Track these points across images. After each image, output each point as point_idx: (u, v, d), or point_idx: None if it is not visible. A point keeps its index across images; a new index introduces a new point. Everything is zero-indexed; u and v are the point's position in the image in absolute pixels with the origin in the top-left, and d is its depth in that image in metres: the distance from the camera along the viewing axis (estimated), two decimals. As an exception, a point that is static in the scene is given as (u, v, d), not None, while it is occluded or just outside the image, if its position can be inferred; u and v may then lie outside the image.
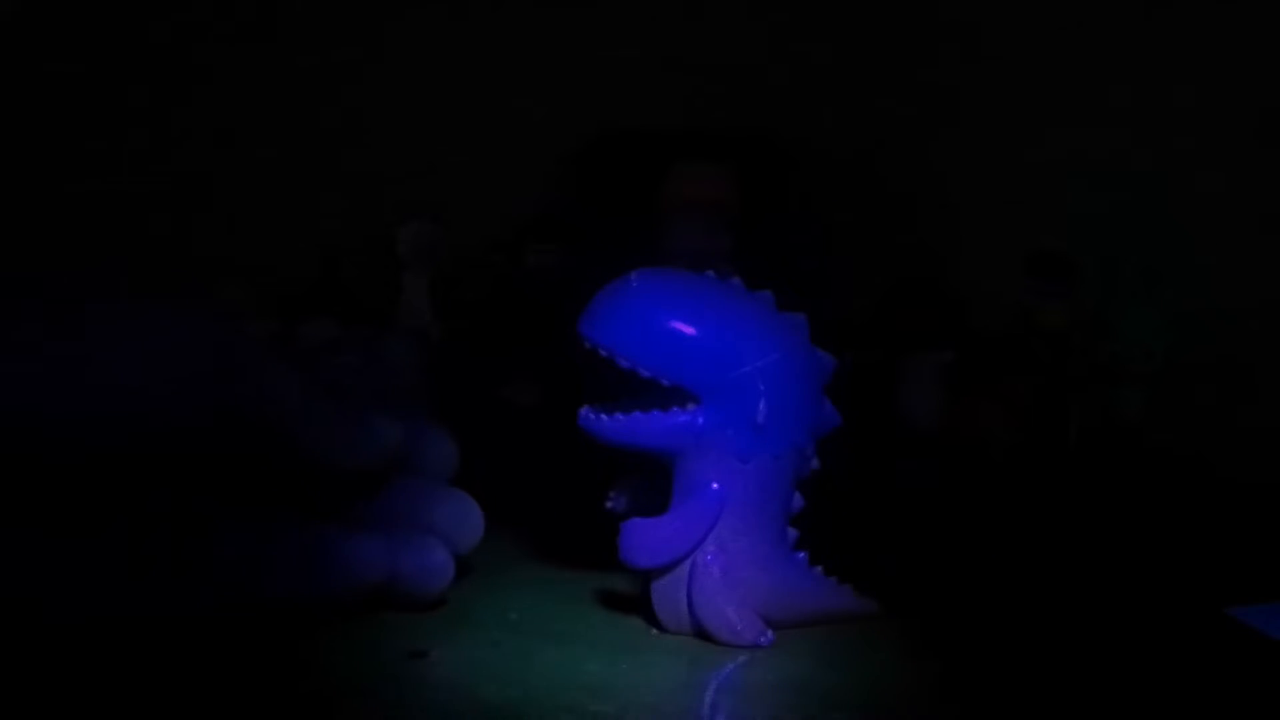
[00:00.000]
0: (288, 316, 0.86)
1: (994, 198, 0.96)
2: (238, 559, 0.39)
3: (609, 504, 0.50)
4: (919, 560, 0.59)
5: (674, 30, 1.03)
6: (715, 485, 0.45)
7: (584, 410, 0.47)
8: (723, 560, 0.45)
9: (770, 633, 0.44)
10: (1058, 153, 0.91)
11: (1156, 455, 0.77)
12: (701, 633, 0.45)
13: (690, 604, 0.45)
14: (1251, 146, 0.79)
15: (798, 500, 0.48)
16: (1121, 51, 0.86)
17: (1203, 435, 0.78)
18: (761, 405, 0.45)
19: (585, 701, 0.36)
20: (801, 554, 0.47)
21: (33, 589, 0.34)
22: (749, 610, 0.45)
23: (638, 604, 0.48)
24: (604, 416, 0.47)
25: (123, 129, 0.91)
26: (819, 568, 0.47)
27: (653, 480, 0.47)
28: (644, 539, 0.45)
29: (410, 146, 0.98)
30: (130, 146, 0.92)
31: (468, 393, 0.46)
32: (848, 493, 0.47)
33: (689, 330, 0.45)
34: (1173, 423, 0.78)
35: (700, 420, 0.45)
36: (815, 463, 0.48)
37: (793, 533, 0.47)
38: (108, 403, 0.36)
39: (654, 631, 0.46)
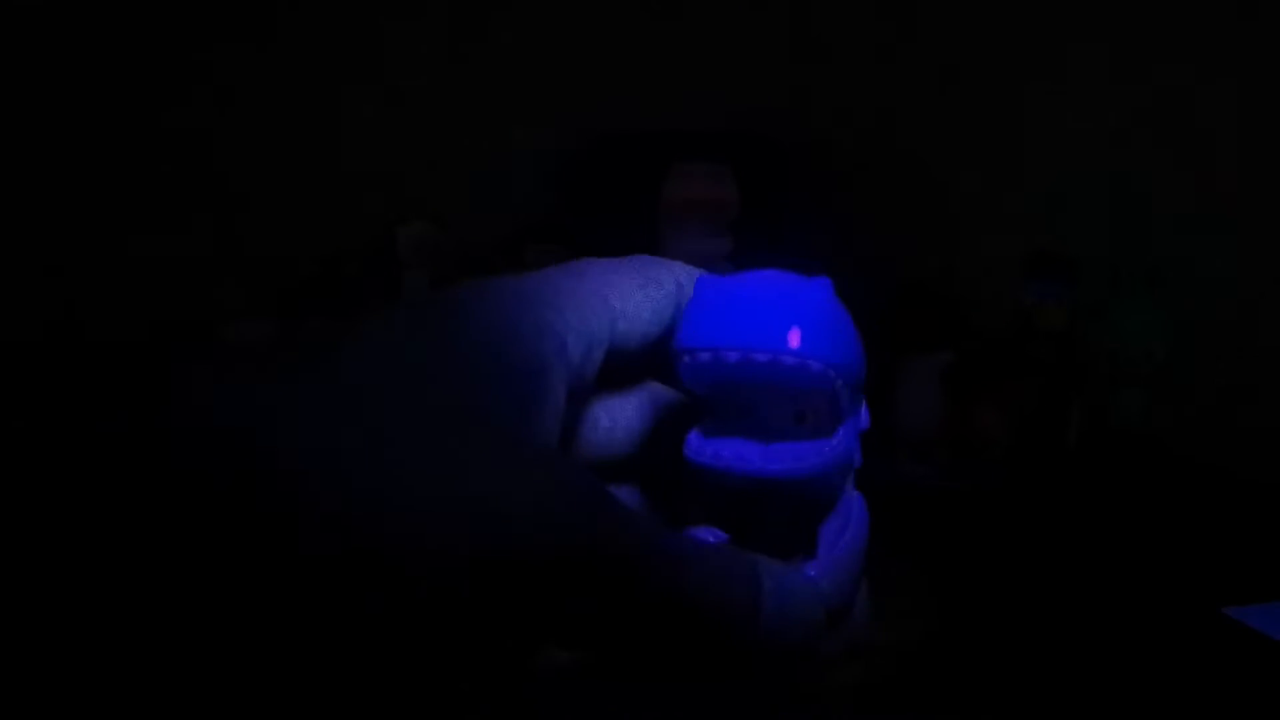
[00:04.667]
0: (287, 316, 0.86)
1: (993, 198, 0.96)
2: None
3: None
4: (919, 561, 0.59)
5: (674, 30, 1.03)
6: (856, 494, 0.38)
7: (787, 449, 0.37)
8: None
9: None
10: (1058, 153, 0.91)
11: (1157, 455, 0.77)
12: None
13: None
14: (1252, 146, 0.79)
15: None
16: (1122, 51, 0.86)
17: (1203, 435, 0.78)
18: (864, 409, 0.41)
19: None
20: None
21: None
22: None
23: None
24: (808, 446, 0.37)
25: (122, 129, 0.92)
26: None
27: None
28: (841, 573, 0.39)
29: (410, 146, 0.98)
30: (129, 146, 0.92)
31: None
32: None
33: (856, 332, 0.37)
34: (1173, 423, 0.78)
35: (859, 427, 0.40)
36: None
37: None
38: None
39: None
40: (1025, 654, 0.45)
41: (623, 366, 0.29)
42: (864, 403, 0.40)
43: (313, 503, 0.22)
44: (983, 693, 0.41)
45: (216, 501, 0.22)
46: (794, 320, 0.37)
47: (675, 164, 0.84)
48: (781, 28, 1.06)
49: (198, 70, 0.93)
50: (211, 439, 0.21)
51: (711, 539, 0.36)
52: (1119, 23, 0.86)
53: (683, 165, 0.84)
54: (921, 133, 1.02)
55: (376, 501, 0.22)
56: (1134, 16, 0.85)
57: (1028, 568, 0.58)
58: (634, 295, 0.30)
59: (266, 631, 0.23)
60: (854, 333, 0.35)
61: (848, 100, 1.04)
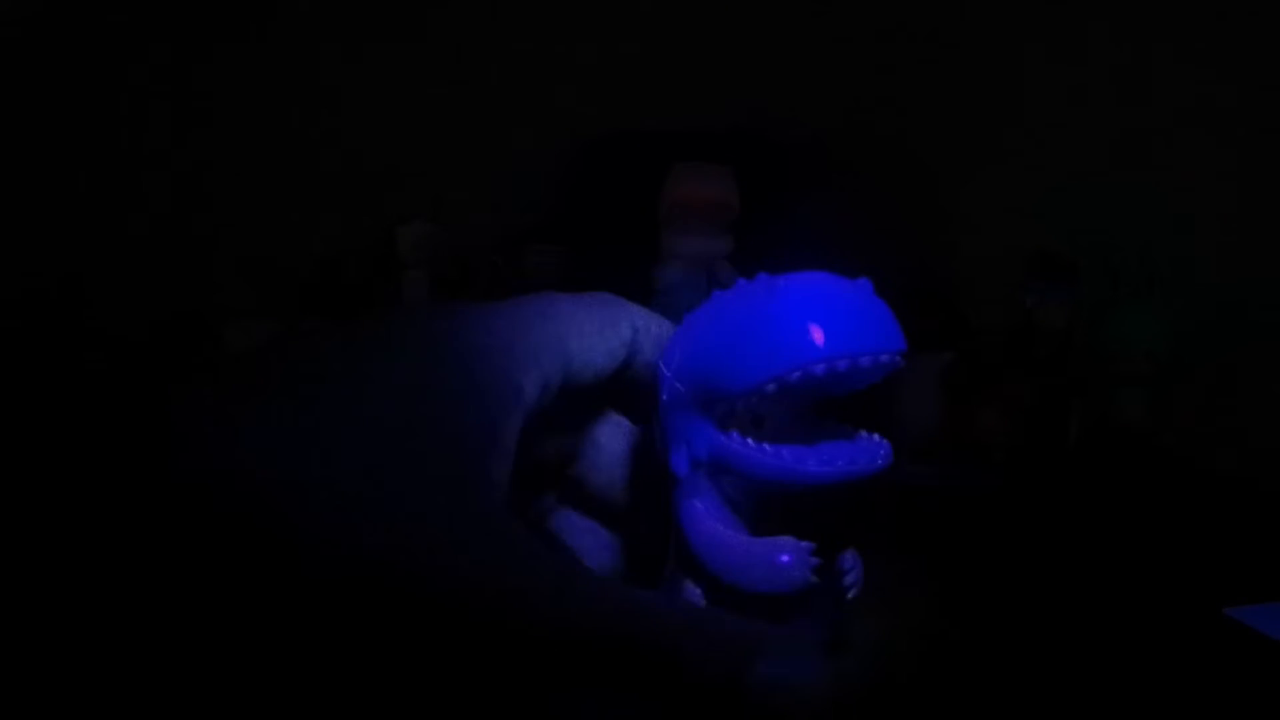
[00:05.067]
0: (287, 316, 0.86)
1: (994, 198, 0.96)
2: None
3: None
4: (918, 561, 0.59)
5: (674, 30, 1.03)
6: None
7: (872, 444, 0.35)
8: None
9: None
10: (1058, 153, 0.91)
11: (1157, 455, 0.77)
12: None
13: None
14: (1252, 145, 0.79)
15: None
16: (1122, 50, 0.86)
17: (1203, 436, 0.78)
18: None
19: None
20: None
21: None
22: None
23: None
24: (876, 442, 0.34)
25: (121, 129, 0.92)
26: None
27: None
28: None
29: (410, 146, 0.98)
30: (129, 146, 0.92)
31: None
32: (848, 495, 0.47)
33: None
34: (1174, 423, 0.78)
35: None
36: None
37: None
38: None
39: None
40: (1025, 654, 0.45)
41: (577, 394, 0.33)
42: None
43: (306, 530, 0.25)
44: (983, 693, 0.41)
45: (224, 531, 0.25)
46: (894, 320, 0.37)
47: (675, 164, 0.84)
48: (782, 28, 1.05)
49: (197, 69, 0.93)
50: (212, 480, 0.24)
51: (795, 555, 0.36)
52: (1120, 23, 0.86)
53: (683, 165, 0.84)
54: (922, 133, 1.02)
55: (356, 530, 0.25)
56: (1135, 17, 0.85)
57: (1028, 568, 0.57)
58: (590, 339, 0.33)
59: (270, 641, 0.26)
60: None
61: (848, 100, 1.04)
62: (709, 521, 0.35)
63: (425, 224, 0.90)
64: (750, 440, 0.35)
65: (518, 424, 0.29)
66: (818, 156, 0.99)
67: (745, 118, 0.99)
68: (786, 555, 0.35)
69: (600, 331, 0.34)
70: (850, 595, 0.38)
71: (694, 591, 0.35)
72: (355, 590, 0.25)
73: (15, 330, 0.85)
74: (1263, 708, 0.40)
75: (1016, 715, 0.39)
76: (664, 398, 0.36)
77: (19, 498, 0.25)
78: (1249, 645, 0.45)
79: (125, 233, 0.92)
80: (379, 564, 0.25)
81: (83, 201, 0.91)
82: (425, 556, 0.26)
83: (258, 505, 0.25)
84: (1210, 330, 0.79)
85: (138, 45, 0.91)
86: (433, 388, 0.28)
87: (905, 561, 0.58)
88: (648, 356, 0.35)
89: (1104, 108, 0.87)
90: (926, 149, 1.01)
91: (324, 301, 0.90)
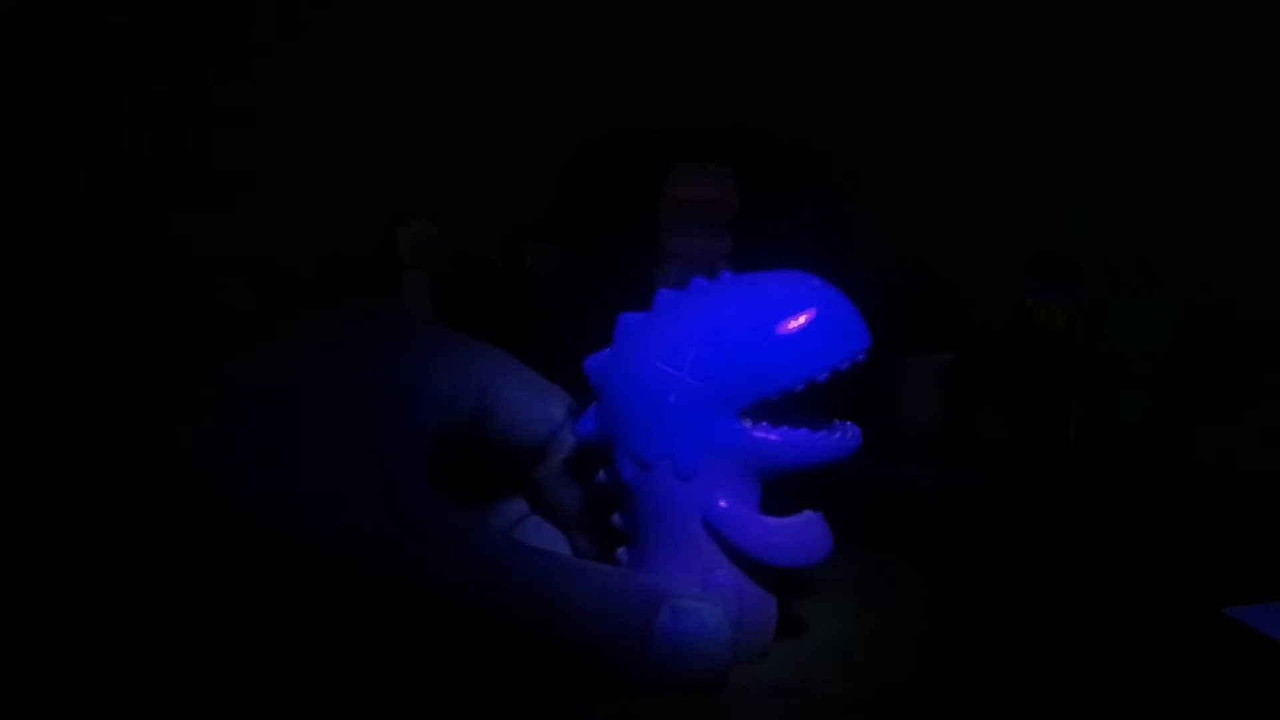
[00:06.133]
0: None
1: (993, 198, 0.96)
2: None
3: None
4: (918, 561, 0.59)
5: (675, 30, 1.03)
6: None
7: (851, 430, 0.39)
8: None
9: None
10: (1057, 152, 0.91)
11: (1157, 455, 0.77)
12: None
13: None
14: (1252, 143, 0.79)
15: None
16: (1122, 50, 0.86)
17: (1203, 435, 0.78)
18: None
19: (585, 702, 0.36)
20: None
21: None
22: None
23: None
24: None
25: (121, 128, 0.92)
26: None
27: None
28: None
29: (410, 146, 0.98)
30: (128, 146, 0.92)
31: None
32: (847, 495, 0.47)
33: None
34: (1173, 423, 0.78)
35: None
36: None
37: None
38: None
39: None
40: (1025, 654, 0.45)
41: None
42: None
43: (264, 527, 0.31)
44: (983, 692, 0.41)
45: (196, 524, 0.31)
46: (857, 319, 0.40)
47: (675, 164, 0.84)
48: (782, 28, 1.05)
49: (196, 70, 0.93)
50: (187, 481, 0.30)
51: (822, 527, 0.40)
52: (1121, 24, 0.86)
53: (683, 165, 0.84)
54: (922, 133, 1.02)
55: (305, 526, 0.31)
56: (1136, 18, 0.85)
57: (1027, 568, 0.57)
58: (510, 391, 0.39)
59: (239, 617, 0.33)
60: None
61: (848, 100, 1.04)
62: (740, 507, 0.38)
63: (425, 224, 0.90)
64: (756, 422, 0.39)
65: (438, 431, 0.35)
66: (818, 156, 0.99)
67: (745, 118, 0.99)
68: (817, 528, 0.39)
69: (526, 388, 0.39)
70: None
71: (662, 569, 0.38)
72: (310, 572, 0.31)
73: (12, 329, 0.85)
74: (1263, 708, 0.40)
75: (1016, 715, 0.39)
76: (670, 398, 0.38)
77: None
78: (1249, 645, 0.45)
79: (125, 233, 0.92)
80: (329, 554, 0.31)
81: (83, 201, 0.91)
82: (369, 546, 0.31)
83: (219, 500, 0.30)
84: (1210, 330, 0.79)
85: (137, 45, 0.91)
86: (370, 401, 0.33)
87: (904, 561, 0.58)
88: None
89: (1104, 108, 0.87)
90: (926, 149, 1.01)
91: (324, 301, 0.90)
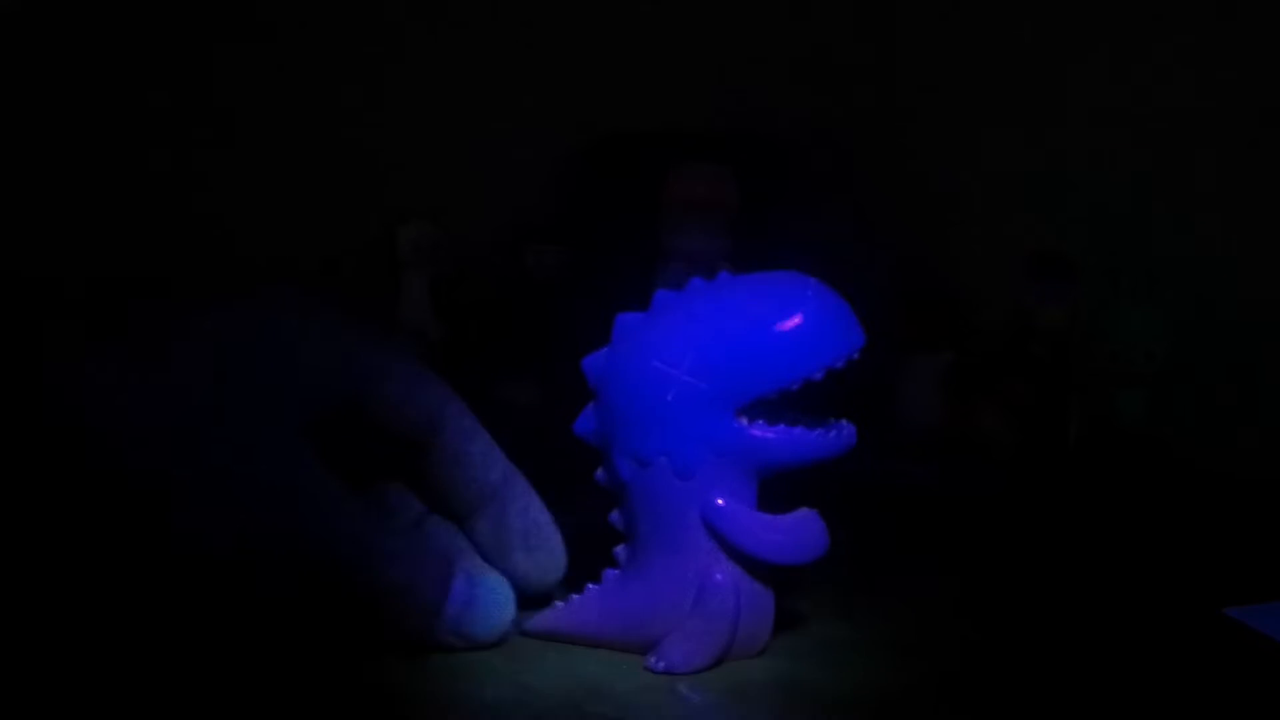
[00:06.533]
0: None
1: (993, 198, 0.96)
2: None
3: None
4: (918, 561, 0.59)
5: (675, 30, 1.03)
6: None
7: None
8: None
9: None
10: (1057, 152, 0.91)
11: (1157, 456, 0.77)
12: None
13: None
14: (1252, 144, 0.79)
15: None
16: (1121, 49, 0.86)
17: (1204, 436, 0.78)
18: None
19: (585, 702, 0.36)
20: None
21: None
22: None
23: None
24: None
25: (120, 128, 0.91)
26: None
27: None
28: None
29: (410, 146, 0.98)
30: (128, 146, 0.92)
31: (467, 393, 0.46)
32: (848, 495, 0.47)
33: None
34: (1174, 423, 0.78)
35: None
36: None
37: None
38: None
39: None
40: (1025, 653, 0.45)
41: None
42: None
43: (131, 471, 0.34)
44: (982, 692, 0.41)
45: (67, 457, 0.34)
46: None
47: (675, 164, 0.84)
48: (782, 28, 1.05)
49: (196, 69, 0.93)
50: (63, 413, 0.34)
51: (819, 523, 0.41)
52: (1121, 24, 0.86)
53: (683, 165, 0.84)
54: (922, 133, 1.02)
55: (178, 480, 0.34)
56: (1136, 18, 0.85)
57: (1027, 567, 0.58)
58: (390, 369, 0.41)
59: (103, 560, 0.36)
60: None
61: (848, 100, 1.04)
62: (737, 504, 0.39)
63: (425, 224, 0.90)
64: (754, 421, 0.40)
65: (303, 410, 0.38)
66: (818, 156, 0.99)
67: (745, 118, 0.99)
68: (814, 525, 0.40)
69: (405, 368, 0.42)
70: None
71: (659, 569, 0.39)
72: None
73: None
74: (1263, 708, 0.40)
75: (1016, 714, 0.39)
76: (668, 397, 0.38)
77: None
78: (1249, 645, 0.45)
79: (124, 232, 0.92)
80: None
81: (82, 201, 0.91)
82: (221, 478, 0.34)
83: (87, 435, 0.34)
84: (1210, 330, 0.79)
85: (137, 44, 0.91)
86: (243, 359, 0.36)
87: (904, 560, 0.58)
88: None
89: (1104, 107, 0.87)
90: (926, 148, 1.01)
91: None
